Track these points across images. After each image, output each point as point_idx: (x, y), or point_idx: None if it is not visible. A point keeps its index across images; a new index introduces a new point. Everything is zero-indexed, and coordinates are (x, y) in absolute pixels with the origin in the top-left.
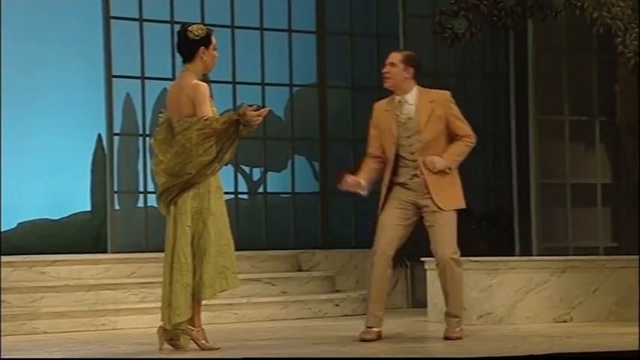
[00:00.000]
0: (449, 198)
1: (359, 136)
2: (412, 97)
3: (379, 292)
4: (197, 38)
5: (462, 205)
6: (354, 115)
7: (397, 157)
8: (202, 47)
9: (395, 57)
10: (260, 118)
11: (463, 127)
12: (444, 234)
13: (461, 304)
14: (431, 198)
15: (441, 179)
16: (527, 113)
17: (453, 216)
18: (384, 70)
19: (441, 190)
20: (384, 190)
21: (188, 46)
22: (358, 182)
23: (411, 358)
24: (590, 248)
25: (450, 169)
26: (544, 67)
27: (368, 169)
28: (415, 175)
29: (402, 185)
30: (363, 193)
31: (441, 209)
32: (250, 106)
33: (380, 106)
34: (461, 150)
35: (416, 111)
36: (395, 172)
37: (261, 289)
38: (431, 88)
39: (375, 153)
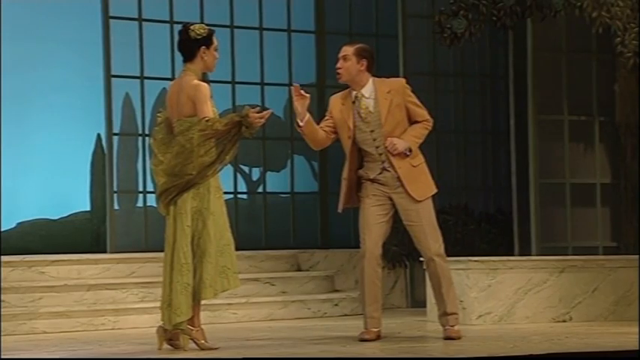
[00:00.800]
0: (421, 188)
1: None
2: (368, 90)
3: (374, 292)
4: (198, 37)
5: (434, 190)
6: None
7: (362, 151)
8: (203, 47)
9: (347, 50)
10: (262, 120)
11: (422, 112)
12: (425, 232)
13: (456, 299)
14: (405, 190)
15: (411, 170)
16: (527, 113)
17: (430, 207)
18: (337, 65)
19: (412, 181)
20: (346, 184)
21: (189, 46)
22: (304, 108)
23: (411, 358)
24: (589, 248)
25: (410, 150)
26: (543, 67)
27: (315, 126)
28: (384, 169)
29: (374, 181)
30: (299, 119)
31: (415, 200)
32: (253, 107)
33: (336, 100)
34: (420, 132)
35: (375, 104)
36: (361, 167)
37: (261, 288)
38: (430, 88)
39: (324, 125)
